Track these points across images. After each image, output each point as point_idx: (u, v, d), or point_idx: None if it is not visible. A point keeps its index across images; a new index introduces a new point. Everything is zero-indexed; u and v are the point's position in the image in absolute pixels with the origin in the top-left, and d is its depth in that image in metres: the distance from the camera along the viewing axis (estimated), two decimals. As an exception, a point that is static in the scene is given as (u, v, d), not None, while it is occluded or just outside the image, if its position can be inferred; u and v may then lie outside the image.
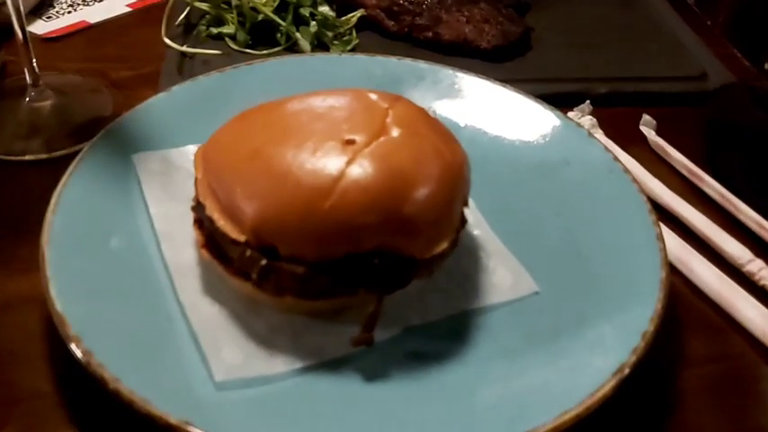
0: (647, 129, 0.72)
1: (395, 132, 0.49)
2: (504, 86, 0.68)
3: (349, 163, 0.46)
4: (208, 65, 0.75)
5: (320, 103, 0.52)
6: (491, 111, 0.67)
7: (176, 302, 0.51)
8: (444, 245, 0.49)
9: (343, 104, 0.51)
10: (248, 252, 0.47)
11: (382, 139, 0.48)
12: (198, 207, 0.52)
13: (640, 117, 0.73)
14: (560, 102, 0.68)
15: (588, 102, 0.72)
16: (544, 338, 0.50)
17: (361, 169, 0.46)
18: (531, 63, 0.81)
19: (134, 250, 0.54)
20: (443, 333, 0.51)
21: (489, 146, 0.64)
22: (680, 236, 0.61)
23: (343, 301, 0.49)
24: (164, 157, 0.61)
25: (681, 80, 0.79)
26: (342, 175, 0.46)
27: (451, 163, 0.50)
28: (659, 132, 0.72)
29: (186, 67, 0.75)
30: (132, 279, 0.52)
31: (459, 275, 0.54)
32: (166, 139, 0.62)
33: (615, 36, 0.86)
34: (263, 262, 0.47)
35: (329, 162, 0.46)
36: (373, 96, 0.53)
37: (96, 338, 0.46)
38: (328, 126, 0.49)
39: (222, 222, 0.49)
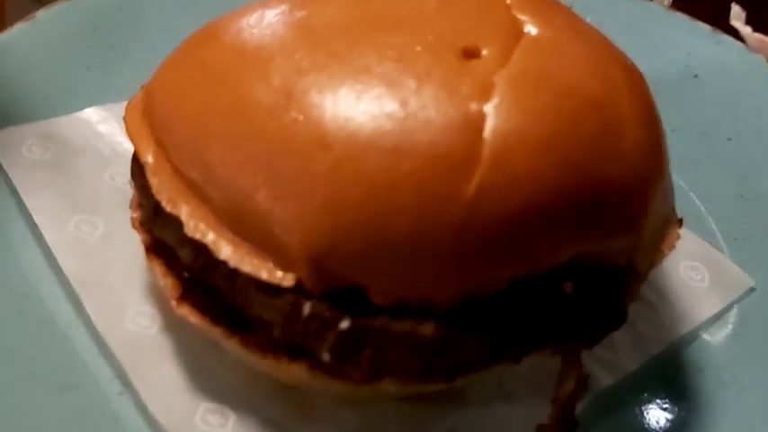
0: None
1: (534, 29, 0.25)
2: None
3: (484, 95, 0.22)
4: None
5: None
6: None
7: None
8: (677, 228, 0.26)
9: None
10: (307, 306, 0.22)
11: (526, 41, 0.24)
12: (158, 219, 0.25)
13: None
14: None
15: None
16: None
17: (517, 106, 0.22)
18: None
19: (30, 318, 0.27)
20: (656, 392, 0.29)
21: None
22: None
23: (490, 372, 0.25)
24: (47, 134, 0.33)
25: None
26: (482, 119, 0.21)
27: (641, 73, 0.27)
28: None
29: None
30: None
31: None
32: (44, 101, 0.35)
33: None
34: (345, 324, 0.22)
35: (449, 96, 0.22)
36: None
37: None
38: (415, 24, 0.24)
39: (230, 250, 0.23)
